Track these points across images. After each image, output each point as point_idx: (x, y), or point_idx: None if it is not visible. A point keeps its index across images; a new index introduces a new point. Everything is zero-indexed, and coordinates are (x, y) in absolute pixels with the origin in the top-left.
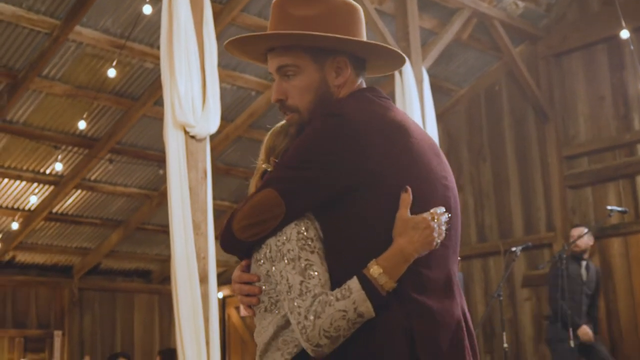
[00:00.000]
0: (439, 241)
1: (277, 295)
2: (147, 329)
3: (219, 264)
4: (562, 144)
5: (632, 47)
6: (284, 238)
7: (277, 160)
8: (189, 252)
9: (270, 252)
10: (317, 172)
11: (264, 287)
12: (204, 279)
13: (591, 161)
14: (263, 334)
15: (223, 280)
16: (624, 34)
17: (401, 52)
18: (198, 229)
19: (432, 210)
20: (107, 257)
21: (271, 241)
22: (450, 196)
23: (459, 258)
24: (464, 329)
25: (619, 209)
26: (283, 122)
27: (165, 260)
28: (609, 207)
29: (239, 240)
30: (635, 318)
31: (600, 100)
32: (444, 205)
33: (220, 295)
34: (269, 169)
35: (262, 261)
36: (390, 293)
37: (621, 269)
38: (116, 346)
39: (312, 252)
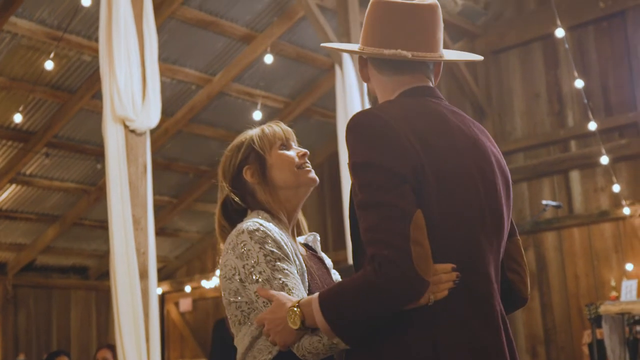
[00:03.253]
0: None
1: (248, 309)
2: (84, 325)
3: (158, 259)
4: (499, 139)
5: (567, 46)
6: (252, 262)
7: None
8: (128, 248)
9: (239, 275)
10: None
11: (234, 300)
12: (143, 275)
13: (527, 157)
14: (240, 344)
15: (163, 275)
16: (559, 32)
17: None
18: (138, 224)
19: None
20: (42, 253)
21: (237, 264)
22: (484, 185)
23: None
24: (503, 338)
25: (554, 203)
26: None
27: (103, 256)
28: (543, 202)
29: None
30: (568, 310)
31: (535, 97)
32: (475, 198)
33: (160, 291)
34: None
35: (230, 280)
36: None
37: (555, 263)
38: (52, 344)
39: (282, 271)
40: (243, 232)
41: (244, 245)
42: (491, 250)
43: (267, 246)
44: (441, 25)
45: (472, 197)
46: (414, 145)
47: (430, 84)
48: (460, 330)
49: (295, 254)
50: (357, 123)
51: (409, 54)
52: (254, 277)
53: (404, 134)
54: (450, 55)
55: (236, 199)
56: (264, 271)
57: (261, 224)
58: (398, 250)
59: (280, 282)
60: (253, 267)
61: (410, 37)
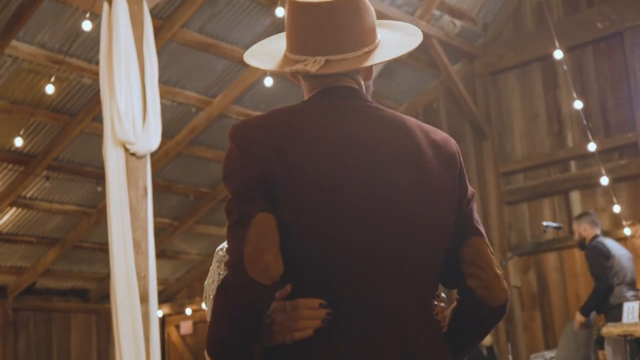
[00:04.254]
0: None
1: None
2: (85, 349)
3: (159, 282)
4: (499, 160)
5: (565, 67)
6: (210, 280)
7: None
8: (129, 271)
9: (205, 292)
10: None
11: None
12: (144, 298)
13: (527, 177)
14: None
15: (163, 298)
16: (558, 54)
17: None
18: (138, 247)
19: None
20: (42, 276)
21: (205, 282)
22: (377, 198)
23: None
24: None
25: (554, 224)
26: None
27: (103, 279)
28: (544, 223)
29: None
30: None
31: (535, 117)
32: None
33: (160, 313)
34: None
35: (204, 295)
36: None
37: (556, 283)
38: None
39: None
40: (215, 252)
41: (212, 264)
42: (391, 262)
43: (222, 265)
44: (361, 18)
45: (335, 201)
46: (267, 153)
47: (346, 84)
48: None
49: None
50: (228, 135)
51: (313, 68)
52: (210, 294)
53: (258, 143)
54: (381, 54)
55: None
56: (214, 290)
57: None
58: (234, 254)
59: None
60: (210, 285)
61: (322, 41)
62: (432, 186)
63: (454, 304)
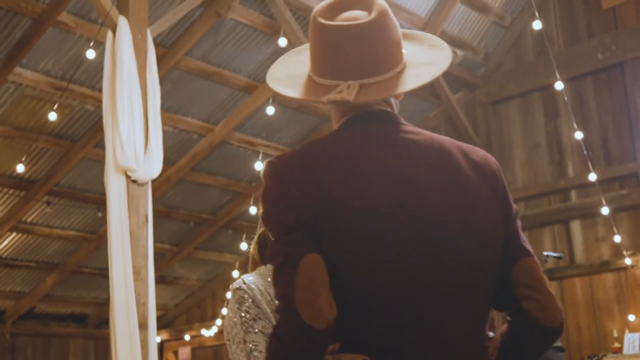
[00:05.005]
0: None
1: None
2: None
3: (158, 307)
4: None
5: (566, 99)
6: (232, 322)
7: None
8: (128, 298)
9: (227, 334)
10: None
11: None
12: (143, 325)
13: (527, 206)
14: None
15: (162, 324)
16: (559, 85)
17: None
18: (138, 274)
19: None
20: (41, 301)
21: (226, 324)
22: (414, 227)
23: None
24: None
25: (555, 254)
26: None
27: (102, 304)
28: (544, 253)
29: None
30: (570, 359)
31: (535, 147)
32: (395, 238)
33: (159, 339)
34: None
35: (225, 340)
36: None
37: None
38: None
39: (255, 333)
40: (231, 290)
41: (229, 304)
42: (440, 297)
43: (243, 307)
44: (390, 38)
45: (379, 238)
46: (308, 193)
47: (379, 107)
48: None
49: None
50: (262, 174)
51: (350, 96)
52: (232, 339)
53: (297, 182)
54: (410, 81)
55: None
56: (239, 333)
57: (245, 282)
58: (284, 298)
59: (250, 346)
60: (231, 327)
61: (354, 64)
62: (476, 209)
63: (503, 327)
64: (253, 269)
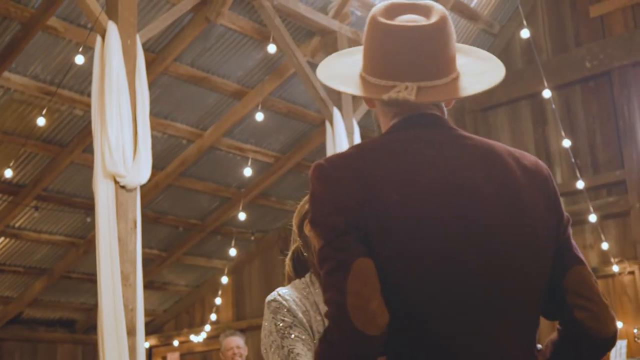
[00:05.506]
0: None
1: None
2: None
3: (146, 312)
4: None
5: (554, 107)
6: (267, 332)
7: None
8: (116, 304)
9: (263, 345)
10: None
11: None
12: (131, 331)
13: None
14: None
15: (150, 329)
16: (546, 93)
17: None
18: (126, 280)
19: None
20: (29, 306)
21: (262, 336)
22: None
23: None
24: None
25: None
26: None
27: (90, 309)
28: None
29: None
30: None
31: None
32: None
33: (147, 345)
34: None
35: (262, 349)
36: None
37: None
38: None
39: (292, 339)
40: (265, 303)
41: (265, 316)
42: (490, 306)
43: (279, 315)
44: (448, 44)
45: (432, 243)
46: (359, 196)
47: (430, 110)
48: None
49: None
50: (309, 176)
51: (411, 96)
52: (269, 346)
53: (348, 185)
54: (469, 86)
55: (303, 250)
56: (275, 340)
57: (279, 294)
58: (335, 304)
59: (287, 349)
60: (267, 336)
61: (412, 66)
62: (528, 215)
63: (553, 336)
64: (288, 284)
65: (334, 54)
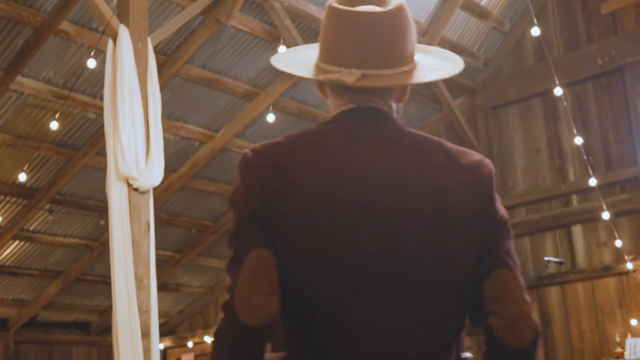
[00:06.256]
0: None
1: None
2: None
3: (160, 314)
4: (501, 194)
5: (565, 104)
6: None
7: None
8: (130, 306)
9: None
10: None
11: None
12: (146, 333)
13: (529, 211)
14: None
15: (165, 331)
16: (558, 91)
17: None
18: (140, 282)
19: None
20: (45, 309)
21: None
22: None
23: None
24: None
25: (556, 260)
26: None
27: (105, 311)
28: (545, 259)
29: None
30: None
31: (536, 152)
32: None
33: (161, 346)
34: None
35: None
36: None
37: (559, 317)
38: None
39: None
40: None
41: None
42: (385, 293)
43: None
44: (403, 35)
45: (330, 237)
46: (268, 185)
47: (374, 105)
48: None
49: None
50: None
51: (349, 79)
52: None
53: (260, 174)
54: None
55: None
56: None
57: None
58: (228, 294)
59: None
60: None
61: (360, 53)
62: (447, 216)
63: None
64: None
65: (304, 46)
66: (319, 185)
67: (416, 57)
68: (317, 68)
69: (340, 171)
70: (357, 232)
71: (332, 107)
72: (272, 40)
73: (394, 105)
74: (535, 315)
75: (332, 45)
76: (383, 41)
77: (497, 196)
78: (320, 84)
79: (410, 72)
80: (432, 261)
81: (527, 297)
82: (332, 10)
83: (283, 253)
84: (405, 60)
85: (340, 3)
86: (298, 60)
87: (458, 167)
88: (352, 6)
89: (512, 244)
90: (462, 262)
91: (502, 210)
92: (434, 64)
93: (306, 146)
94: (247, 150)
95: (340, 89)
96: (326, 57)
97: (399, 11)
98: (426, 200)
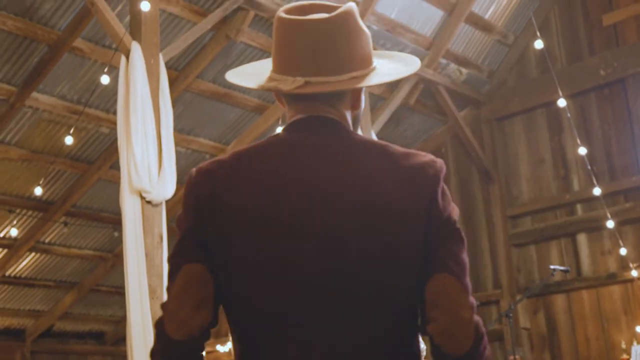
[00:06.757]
0: None
1: None
2: None
3: None
4: (506, 204)
5: (569, 115)
6: None
7: None
8: (144, 317)
9: None
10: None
11: None
12: None
13: (534, 220)
14: None
15: None
16: (561, 102)
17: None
18: (154, 293)
19: None
20: (60, 320)
21: None
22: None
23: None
24: None
25: (561, 268)
26: None
27: (119, 322)
28: (551, 267)
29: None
30: None
31: (540, 162)
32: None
33: None
34: None
35: None
36: None
37: (565, 325)
38: None
39: None
40: None
41: None
42: (320, 303)
43: None
44: (349, 41)
45: (267, 246)
46: (204, 200)
47: (326, 114)
48: None
49: None
50: None
51: (286, 87)
52: None
53: (198, 189)
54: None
55: None
56: None
57: None
58: (161, 309)
59: None
60: None
61: (304, 61)
62: (387, 222)
63: None
64: None
65: (262, 60)
66: (251, 203)
67: (376, 63)
68: (268, 78)
69: (275, 185)
70: (290, 247)
71: (287, 117)
72: None
73: (348, 114)
74: (478, 319)
75: (279, 55)
76: (328, 48)
77: (446, 197)
78: (277, 96)
79: (360, 78)
80: (376, 272)
81: (471, 301)
82: (279, 21)
83: (221, 269)
84: (355, 66)
85: (287, 13)
86: (250, 72)
87: (400, 170)
88: (299, 15)
89: (461, 247)
90: (406, 269)
91: (450, 212)
92: (392, 70)
93: (248, 161)
94: (193, 169)
95: (290, 99)
96: (275, 67)
97: (345, 17)
98: (363, 206)
